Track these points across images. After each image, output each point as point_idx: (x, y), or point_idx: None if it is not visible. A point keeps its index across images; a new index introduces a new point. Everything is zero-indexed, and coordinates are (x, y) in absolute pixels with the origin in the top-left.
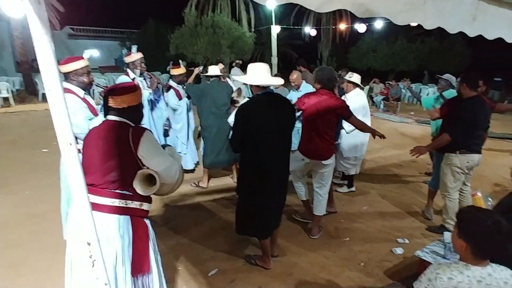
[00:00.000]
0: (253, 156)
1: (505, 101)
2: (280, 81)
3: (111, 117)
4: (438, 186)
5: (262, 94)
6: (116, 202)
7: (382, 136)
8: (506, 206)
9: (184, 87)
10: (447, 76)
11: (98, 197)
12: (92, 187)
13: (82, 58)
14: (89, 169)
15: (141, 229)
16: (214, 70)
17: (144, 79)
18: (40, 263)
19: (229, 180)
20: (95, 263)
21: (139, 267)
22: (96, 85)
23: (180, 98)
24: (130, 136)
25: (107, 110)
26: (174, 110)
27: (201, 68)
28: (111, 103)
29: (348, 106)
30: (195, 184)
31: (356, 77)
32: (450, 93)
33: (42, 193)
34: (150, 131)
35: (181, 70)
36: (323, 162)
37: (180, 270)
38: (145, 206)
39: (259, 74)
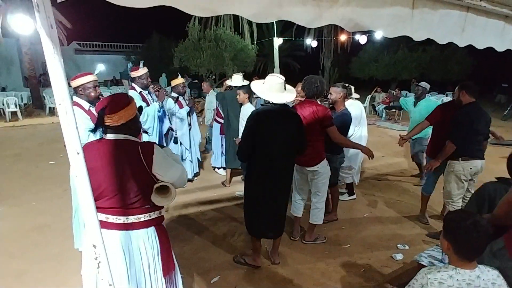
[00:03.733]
0: (258, 160)
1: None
2: (292, 97)
3: (111, 136)
4: (431, 191)
5: (274, 105)
6: (142, 218)
7: (370, 156)
8: (483, 196)
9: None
10: (423, 84)
11: (124, 217)
12: (115, 209)
13: (91, 73)
14: (103, 193)
15: (164, 234)
16: (236, 80)
17: (149, 92)
18: (44, 272)
19: (230, 190)
20: (100, 264)
21: (168, 267)
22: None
23: (181, 107)
24: (141, 156)
25: (104, 129)
26: (181, 119)
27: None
28: (109, 122)
29: (330, 116)
30: (223, 184)
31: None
32: (426, 101)
33: (46, 204)
34: (155, 143)
35: (178, 80)
36: (308, 168)
37: (182, 277)
38: (162, 212)
39: (275, 90)
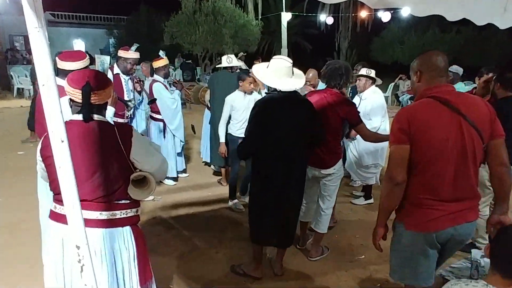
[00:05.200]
0: (264, 156)
1: None
2: (301, 83)
3: (81, 117)
4: None
5: (281, 92)
6: (118, 214)
7: None
8: None
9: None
10: (454, 68)
11: (95, 212)
12: (86, 203)
13: (84, 54)
14: None
15: (141, 236)
16: (224, 61)
17: (130, 79)
18: (15, 276)
19: (227, 189)
20: (84, 268)
21: (145, 275)
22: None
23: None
24: (119, 139)
25: (89, 107)
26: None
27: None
28: (94, 99)
29: (357, 111)
30: (220, 183)
31: (373, 73)
32: (459, 87)
33: (16, 201)
34: (133, 126)
35: (164, 61)
36: (324, 171)
37: None
38: (139, 211)
39: (281, 75)
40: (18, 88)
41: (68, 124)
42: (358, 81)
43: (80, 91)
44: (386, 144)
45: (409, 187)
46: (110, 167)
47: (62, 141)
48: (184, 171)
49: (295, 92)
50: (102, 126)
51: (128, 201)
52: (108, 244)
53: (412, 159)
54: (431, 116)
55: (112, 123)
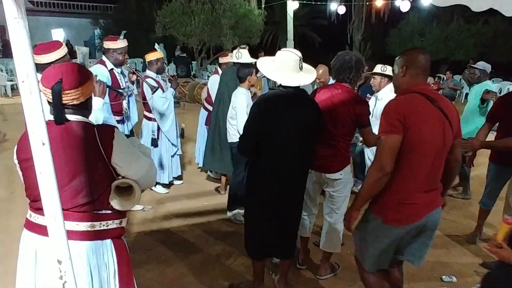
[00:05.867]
0: (264, 159)
1: None
2: (311, 78)
3: (67, 117)
4: (491, 204)
5: (285, 89)
6: (97, 226)
7: None
8: None
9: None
10: (481, 64)
11: (72, 222)
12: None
13: (61, 44)
14: None
15: (123, 252)
16: (232, 55)
17: (122, 72)
18: None
19: (226, 198)
20: (66, 285)
21: None
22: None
23: (162, 90)
24: (99, 142)
25: (60, 108)
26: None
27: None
28: (67, 99)
29: (367, 112)
30: (217, 191)
31: (389, 70)
32: (479, 86)
33: None
34: (116, 127)
35: (157, 54)
36: (329, 175)
37: None
38: (123, 222)
39: (287, 70)
40: None
41: (47, 124)
42: (372, 79)
43: (51, 91)
44: None
45: (389, 179)
46: (89, 173)
47: (44, 144)
48: (180, 177)
49: (301, 89)
50: (80, 127)
51: (110, 211)
52: (84, 259)
53: (399, 151)
54: (424, 111)
55: (92, 123)
